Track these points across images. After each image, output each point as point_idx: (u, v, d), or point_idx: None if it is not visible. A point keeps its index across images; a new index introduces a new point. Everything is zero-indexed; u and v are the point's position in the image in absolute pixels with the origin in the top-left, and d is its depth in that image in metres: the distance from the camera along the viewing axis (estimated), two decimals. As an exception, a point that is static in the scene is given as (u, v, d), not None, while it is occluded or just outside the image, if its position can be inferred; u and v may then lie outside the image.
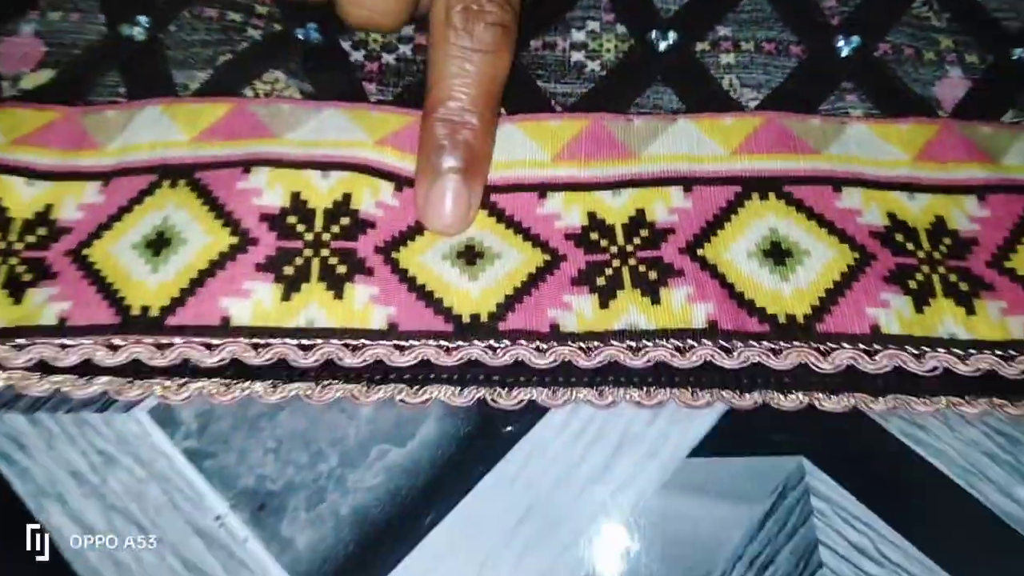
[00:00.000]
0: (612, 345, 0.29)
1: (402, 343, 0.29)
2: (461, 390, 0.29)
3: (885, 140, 0.35)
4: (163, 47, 0.37)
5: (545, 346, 0.29)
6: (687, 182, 0.33)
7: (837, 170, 0.33)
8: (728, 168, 0.33)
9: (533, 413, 0.30)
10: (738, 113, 0.36)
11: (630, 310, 0.30)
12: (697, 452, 0.29)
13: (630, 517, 0.28)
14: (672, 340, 0.29)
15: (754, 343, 0.29)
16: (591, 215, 0.32)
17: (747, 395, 0.30)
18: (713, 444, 0.30)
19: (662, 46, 0.38)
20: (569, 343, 0.29)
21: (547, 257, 0.31)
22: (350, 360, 0.29)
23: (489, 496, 0.28)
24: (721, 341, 0.29)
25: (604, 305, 0.30)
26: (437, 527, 0.28)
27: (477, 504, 0.28)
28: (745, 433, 0.30)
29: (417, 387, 0.29)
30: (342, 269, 0.30)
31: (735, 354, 0.29)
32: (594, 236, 0.32)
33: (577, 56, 0.38)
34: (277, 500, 0.28)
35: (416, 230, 0.32)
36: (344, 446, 0.30)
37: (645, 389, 0.30)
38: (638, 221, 0.32)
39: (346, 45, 0.38)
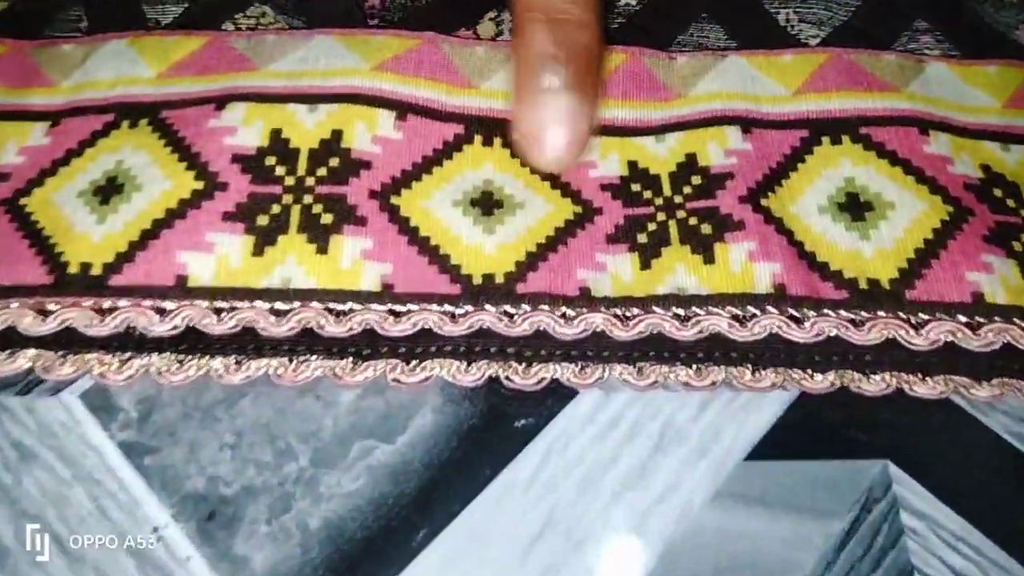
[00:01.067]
0: (655, 312, 0.25)
1: (398, 308, 0.25)
2: (468, 366, 0.25)
3: (970, 84, 0.32)
4: (132, -22, 0.33)
5: (573, 313, 0.25)
6: (745, 122, 0.29)
7: (921, 111, 0.30)
8: (792, 110, 0.30)
9: (554, 400, 0.26)
10: (799, 49, 0.32)
11: (678, 271, 0.26)
12: (757, 453, 0.25)
13: (674, 535, 0.24)
14: (730, 307, 0.25)
15: (830, 312, 0.25)
16: (632, 164, 0.29)
17: (820, 376, 0.26)
18: (777, 443, 0.26)
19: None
20: (602, 309, 0.25)
21: (578, 209, 0.27)
22: (333, 328, 0.25)
23: (497, 506, 0.24)
24: (790, 309, 0.25)
25: (646, 265, 0.26)
26: (431, 545, 0.24)
27: (482, 516, 0.24)
28: (817, 429, 0.26)
29: (415, 363, 0.25)
30: (328, 218, 0.26)
31: (807, 325, 0.25)
32: (635, 187, 0.28)
33: (609, -13, 0.34)
34: (232, 508, 0.24)
35: (423, 168, 0.28)
36: (318, 441, 0.26)
37: (695, 367, 0.26)
38: (688, 167, 0.28)
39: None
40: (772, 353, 0.25)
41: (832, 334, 0.25)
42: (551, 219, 0.27)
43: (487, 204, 0.27)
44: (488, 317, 0.25)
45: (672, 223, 0.27)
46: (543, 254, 0.26)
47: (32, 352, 0.26)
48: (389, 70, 0.29)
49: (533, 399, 0.26)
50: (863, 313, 0.25)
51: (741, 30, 0.33)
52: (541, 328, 0.25)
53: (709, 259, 0.26)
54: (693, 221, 0.27)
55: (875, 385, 0.26)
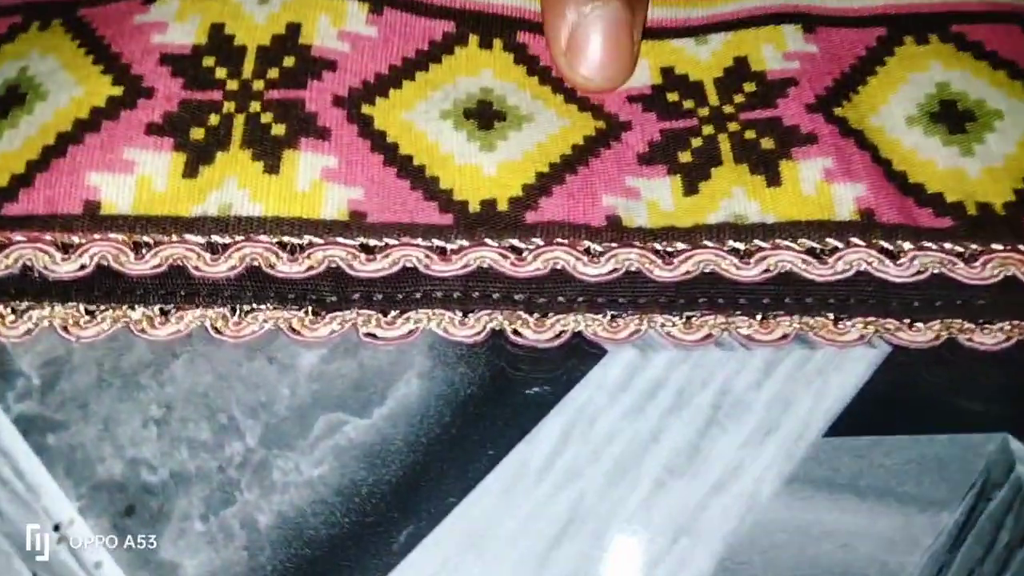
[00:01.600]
0: (706, 247, 0.21)
1: (372, 242, 0.21)
2: (464, 316, 0.22)
3: None
4: None
5: (599, 248, 0.21)
6: (807, 20, 0.25)
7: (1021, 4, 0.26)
8: (866, 3, 0.26)
9: (576, 360, 0.22)
10: None
11: (734, 195, 0.22)
12: (841, 428, 0.22)
13: (736, 533, 0.21)
14: (803, 239, 0.21)
15: (931, 244, 0.21)
16: (666, 72, 0.25)
17: (922, 325, 0.22)
18: (866, 414, 0.22)
19: None
20: (637, 243, 0.21)
21: (601, 124, 0.23)
22: (286, 268, 0.21)
23: (504, 499, 0.21)
24: (881, 241, 0.21)
25: (692, 190, 0.22)
26: (417, 549, 0.20)
27: (483, 512, 0.21)
28: (916, 396, 0.22)
29: (394, 313, 0.22)
30: (279, 129, 0.22)
31: (904, 260, 0.21)
32: (672, 97, 0.24)
33: None
34: (157, 501, 0.20)
35: (402, 73, 0.24)
36: (271, 415, 0.21)
37: (759, 317, 0.22)
38: (738, 72, 0.24)
39: None
40: (859, 298, 0.21)
41: (936, 271, 0.21)
42: (567, 135, 0.23)
43: (485, 116, 0.23)
44: (489, 253, 0.21)
45: (723, 137, 0.23)
46: (559, 175, 0.22)
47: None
48: None
49: (548, 360, 0.22)
50: (974, 245, 0.21)
51: None
52: (558, 267, 0.21)
53: (773, 180, 0.22)
54: (750, 134, 0.23)
55: (991, 337, 0.22)
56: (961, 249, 0.21)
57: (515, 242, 0.21)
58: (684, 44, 0.25)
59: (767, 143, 0.22)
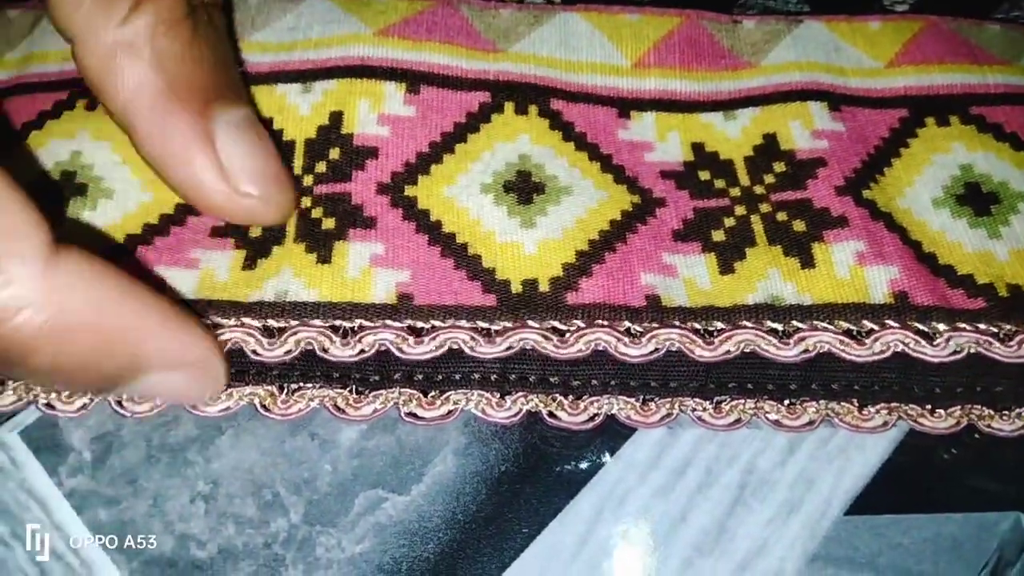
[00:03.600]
0: (745, 327, 0.21)
1: (419, 324, 0.21)
2: (502, 398, 0.21)
3: None
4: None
5: (640, 329, 0.20)
6: (833, 98, 0.25)
7: None
8: (887, 85, 0.26)
9: (606, 438, 0.22)
10: (886, 15, 0.28)
11: (770, 276, 0.22)
12: (861, 506, 0.22)
13: None
14: (841, 321, 0.21)
15: (965, 325, 0.21)
16: (697, 147, 0.25)
17: (943, 411, 0.22)
18: (885, 493, 0.22)
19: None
20: (677, 323, 0.21)
21: (636, 199, 0.23)
22: (339, 351, 0.21)
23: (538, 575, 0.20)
24: (916, 323, 0.20)
25: (727, 269, 0.22)
26: None
27: None
28: (933, 476, 0.22)
29: (434, 393, 0.22)
30: (329, 223, 0.22)
31: (940, 342, 0.20)
32: (704, 175, 0.24)
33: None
34: (206, 575, 0.20)
35: (442, 147, 0.24)
36: (314, 492, 0.21)
37: (787, 402, 0.21)
38: (768, 151, 0.24)
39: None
40: (883, 384, 0.21)
41: (973, 351, 0.21)
42: (605, 210, 0.23)
43: (525, 189, 0.23)
44: (532, 335, 0.21)
45: (755, 218, 0.23)
46: (598, 254, 0.22)
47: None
48: (396, 35, 0.25)
49: (580, 438, 0.22)
50: (1008, 326, 0.21)
51: None
52: (600, 347, 0.21)
53: (808, 262, 0.22)
54: (782, 216, 0.22)
55: (1009, 423, 0.21)
56: (996, 329, 0.21)
57: (556, 324, 0.21)
58: (713, 119, 0.25)
59: (799, 225, 0.22)
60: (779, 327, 0.20)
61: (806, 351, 0.20)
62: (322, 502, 0.21)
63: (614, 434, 0.22)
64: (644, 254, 0.22)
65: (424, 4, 0.26)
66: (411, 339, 0.20)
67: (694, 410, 0.21)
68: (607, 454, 0.22)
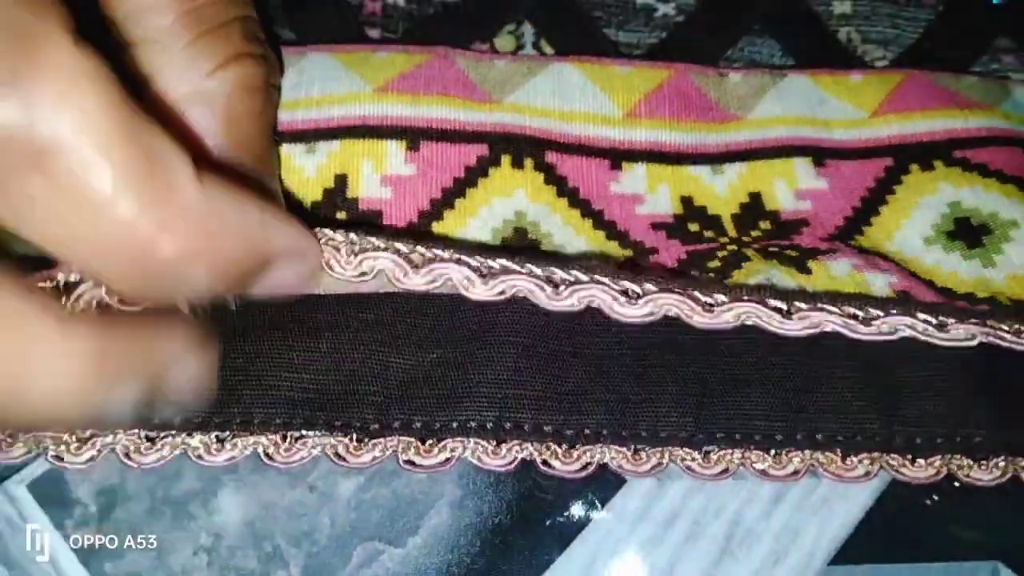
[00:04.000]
0: (745, 301, 0.20)
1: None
2: (497, 446, 0.22)
3: None
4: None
5: (638, 290, 0.20)
6: (817, 153, 0.26)
7: (1021, 131, 0.26)
8: (871, 135, 0.26)
9: (597, 487, 0.23)
10: (868, 69, 0.29)
11: (771, 275, 0.22)
12: (844, 556, 0.22)
13: None
14: (845, 306, 0.20)
15: (976, 321, 0.20)
16: (686, 201, 0.25)
17: (923, 461, 0.22)
18: (866, 543, 0.22)
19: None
20: (677, 290, 0.20)
21: (628, 252, 0.24)
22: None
23: None
24: (920, 314, 0.20)
25: (724, 279, 0.23)
26: None
27: None
28: (913, 525, 0.23)
29: (432, 440, 0.22)
30: None
31: (950, 329, 0.20)
32: (693, 227, 0.24)
33: (644, -5, 0.30)
34: None
35: (442, 204, 0.24)
36: (313, 544, 0.22)
37: (773, 452, 0.22)
38: (754, 210, 0.25)
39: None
40: (865, 435, 0.22)
41: (986, 340, 0.20)
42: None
43: (522, 245, 0.23)
44: (525, 283, 0.20)
45: (748, 251, 0.23)
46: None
47: (-31, 433, 0.22)
48: (394, 90, 0.25)
49: (571, 489, 0.22)
50: (1016, 326, 0.20)
51: (798, 46, 0.29)
52: (594, 304, 0.20)
53: (805, 270, 0.22)
54: (773, 249, 0.23)
55: (988, 473, 0.22)
56: (1005, 326, 0.20)
57: (554, 269, 0.20)
58: (701, 172, 0.25)
59: (791, 252, 0.23)
60: (783, 305, 0.20)
61: (812, 326, 0.20)
62: (321, 555, 0.21)
63: (604, 484, 0.22)
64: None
65: (421, 57, 0.26)
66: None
67: (683, 460, 0.22)
68: (598, 505, 0.22)
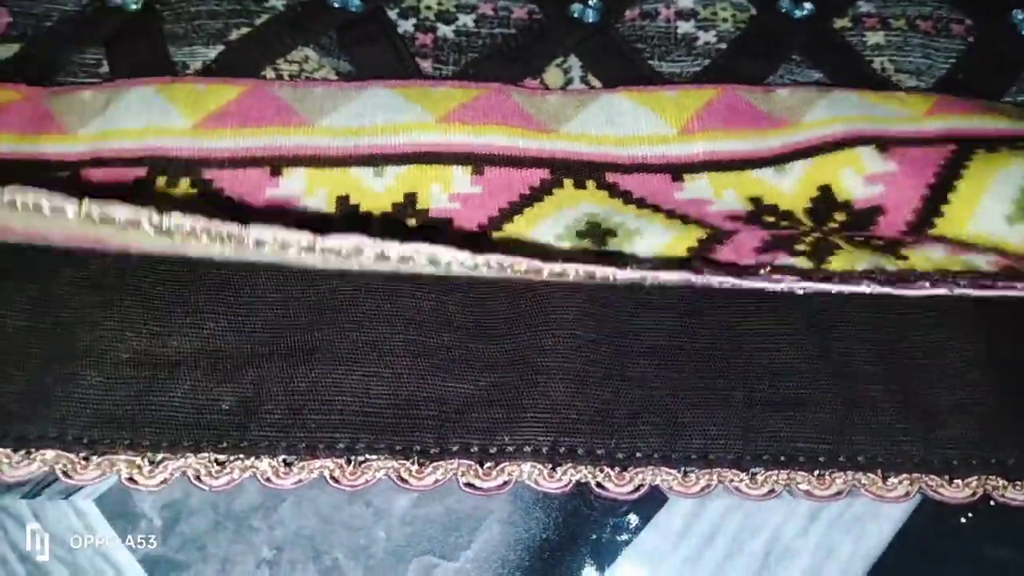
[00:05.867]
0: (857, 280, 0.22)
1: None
2: (553, 469, 0.23)
3: None
4: (160, 18, 0.30)
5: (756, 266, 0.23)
6: (880, 141, 0.26)
7: None
8: (930, 127, 0.27)
9: (640, 506, 0.23)
10: (909, 90, 0.29)
11: (870, 260, 0.23)
12: (879, 572, 0.22)
13: None
14: (960, 278, 0.22)
15: None
16: (756, 200, 0.26)
17: (960, 482, 0.23)
18: (902, 559, 0.23)
19: (797, 14, 0.31)
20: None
21: (708, 231, 0.24)
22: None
23: None
24: None
25: (821, 263, 0.23)
26: None
27: None
28: (948, 541, 0.23)
29: (491, 464, 0.23)
30: None
31: None
32: (769, 219, 0.25)
33: (685, 27, 0.31)
34: None
35: (512, 211, 0.25)
36: (370, 558, 0.22)
37: (817, 473, 0.23)
38: (825, 203, 0.25)
39: (392, 14, 0.31)
40: (905, 456, 0.22)
41: None
42: (678, 243, 0.24)
43: (597, 234, 0.24)
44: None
45: (833, 237, 0.24)
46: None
47: (51, 454, 0.23)
48: (457, 120, 0.26)
49: (616, 507, 0.23)
50: None
51: (835, 76, 0.30)
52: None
53: (899, 256, 0.23)
54: (859, 240, 0.24)
55: (1022, 493, 0.23)
56: None
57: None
58: (764, 175, 0.26)
59: (876, 243, 0.23)
60: (868, 288, 0.21)
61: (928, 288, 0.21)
62: (378, 568, 0.22)
63: (648, 502, 0.23)
64: (737, 257, 0.23)
65: (477, 91, 0.27)
66: None
67: (731, 481, 0.22)
68: (642, 523, 0.23)
